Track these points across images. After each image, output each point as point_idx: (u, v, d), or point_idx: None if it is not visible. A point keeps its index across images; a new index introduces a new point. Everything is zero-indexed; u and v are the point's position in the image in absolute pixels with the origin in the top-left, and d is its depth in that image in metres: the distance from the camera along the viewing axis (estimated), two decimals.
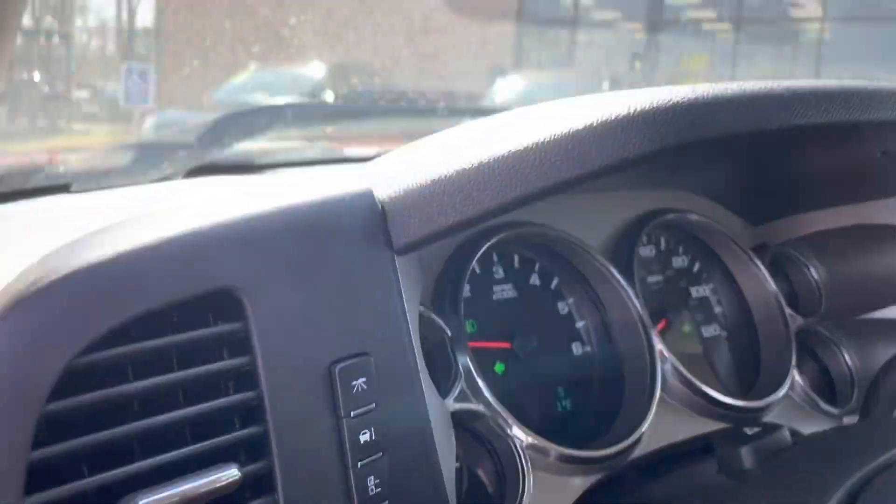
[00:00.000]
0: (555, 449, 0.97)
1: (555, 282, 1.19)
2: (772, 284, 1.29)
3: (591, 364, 1.18)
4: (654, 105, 0.68)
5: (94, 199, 1.37)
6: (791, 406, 1.23)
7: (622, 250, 1.22)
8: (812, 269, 1.38)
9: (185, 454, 0.55)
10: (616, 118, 0.69)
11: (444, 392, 0.94)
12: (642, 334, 1.16)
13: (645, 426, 1.06)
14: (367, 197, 0.71)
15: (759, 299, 1.30)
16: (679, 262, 1.36)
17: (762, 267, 1.30)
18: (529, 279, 1.18)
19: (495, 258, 1.15)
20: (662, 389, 1.13)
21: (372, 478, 0.64)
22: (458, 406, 0.94)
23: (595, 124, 0.70)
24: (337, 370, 0.63)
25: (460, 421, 0.93)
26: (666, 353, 1.15)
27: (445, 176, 0.71)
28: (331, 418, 0.62)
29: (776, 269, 1.39)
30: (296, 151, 1.83)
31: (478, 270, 1.12)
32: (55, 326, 0.50)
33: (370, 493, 0.63)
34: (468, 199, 0.71)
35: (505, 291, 1.14)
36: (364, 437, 0.64)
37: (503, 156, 0.72)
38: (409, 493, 0.67)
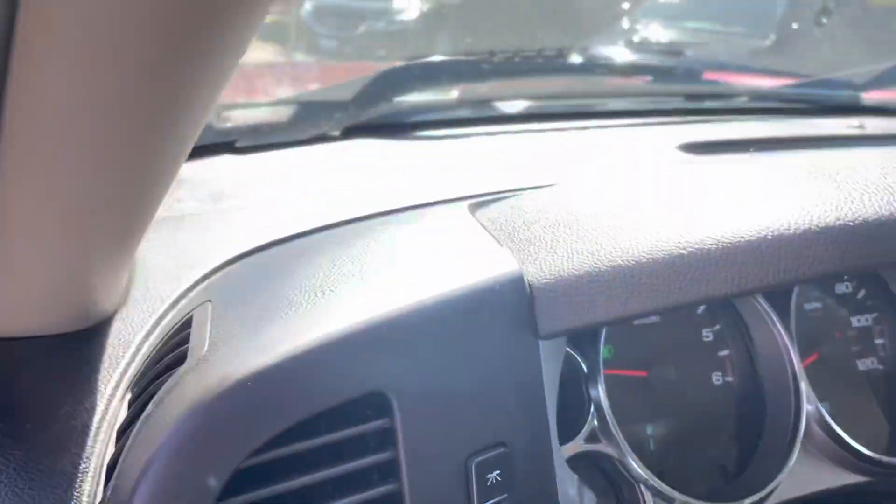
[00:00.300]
0: (680, 498, 0.97)
1: (701, 307, 1.15)
2: None
3: (730, 398, 1.15)
4: (840, 224, 0.62)
5: (257, 160, 1.44)
6: None
7: None
8: None
9: None
10: (795, 235, 0.63)
11: (574, 429, 0.95)
12: (788, 369, 1.11)
13: (781, 477, 1.03)
14: (517, 282, 0.71)
15: None
16: (842, 287, 1.27)
17: None
18: None
19: None
20: (804, 435, 1.09)
21: None
22: (587, 447, 0.95)
23: (766, 239, 0.65)
24: (474, 464, 0.65)
25: (587, 459, 0.95)
26: (812, 395, 1.10)
27: (598, 271, 0.69)
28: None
29: None
30: (449, 109, 1.81)
31: None
32: (228, 431, 0.55)
33: None
34: (619, 300, 0.69)
35: (647, 317, 1.12)
36: None
37: (660, 260, 0.69)
38: None
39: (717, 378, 1.15)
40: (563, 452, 0.90)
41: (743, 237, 0.66)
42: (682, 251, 0.66)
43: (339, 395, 0.60)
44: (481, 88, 1.82)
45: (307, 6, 2.81)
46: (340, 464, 0.61)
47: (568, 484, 0.82)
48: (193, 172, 1.34)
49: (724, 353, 1.16)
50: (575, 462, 0.93)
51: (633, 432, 1.06)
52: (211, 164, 1.40)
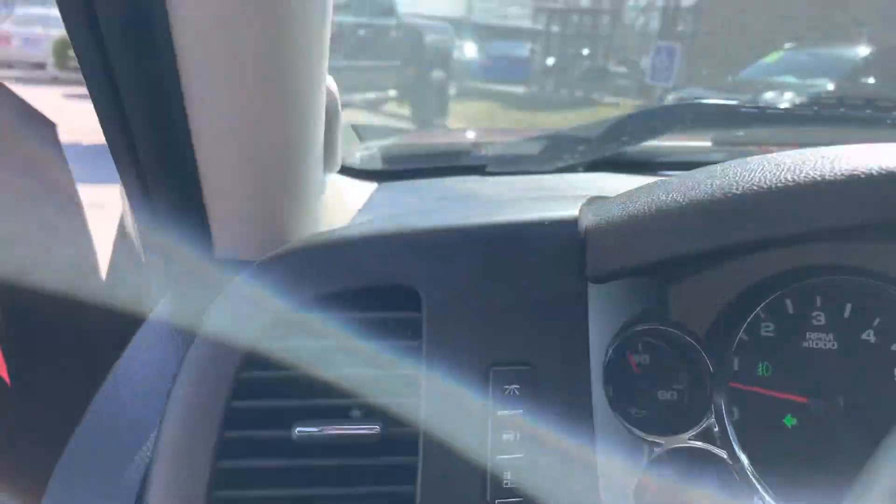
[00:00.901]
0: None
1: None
2: None
3: None
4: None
5: (499, 181, 1.63)
6: None
7: None
8: None
9: (344, 404, 0.70)
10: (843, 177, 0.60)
11: (688, 424, 0.93)
12: None
13: None
14: (570, 225, 0.75)
15: None
16: None
17: None
18: (861, 334, 1.02)
19: (819, 303, 1.02)
20: None
21: (509, 473, 0.70)
22: (695, 444, 0.92)
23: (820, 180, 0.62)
24: (492, 372, 0.71)
25: (695, 456, 0.91)
26: None
27: (649, 211, 0.71)
28: (480, 411, 0.71)
29: None
30: (701, 153, 1.82)
31: (791, 311, 1.01)
32: (286, 283, 0.71)
33: (504, 486, 0.70)
34: (667, 239, 0.70)
35: (821, 341, 1.02)
36: (507, 437, 0.71)
37: (718, 197, 0.68)
38: (555, 497, 0.71)
39: None
40: (662, 441, 0.89)
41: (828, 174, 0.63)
42: (744, 186, 0.65)
43: (377, 279, 0.71)
44: (737, 135, 1.79)
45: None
46: (372, 341, 0.72)
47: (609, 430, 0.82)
48: (444, 186, 1.57)
49: None
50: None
51: (768, 455, 0.97)
52: (463, 181, 1.61)
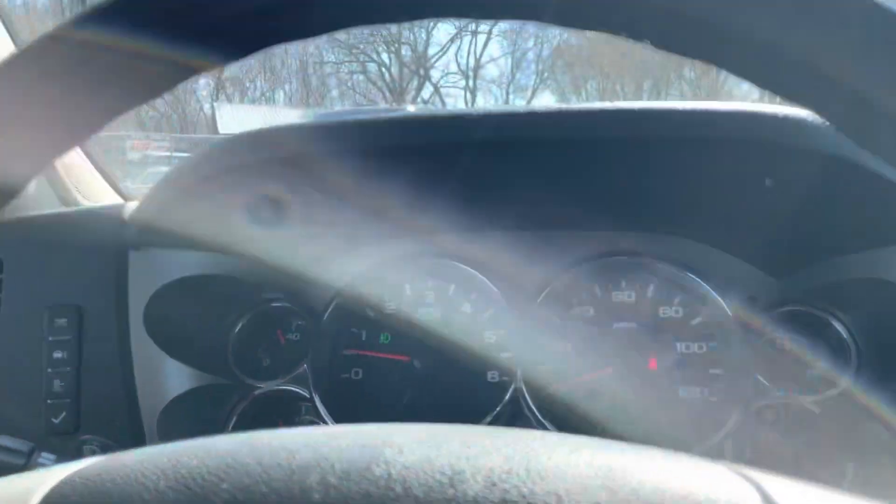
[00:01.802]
0: None
1: (489, 311, 1.26)
2: None
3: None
4: None
5: None
6: None
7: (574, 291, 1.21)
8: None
9: None
10: None
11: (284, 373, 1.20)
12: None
13: None
14: (117, 209, 1.09)
15: None
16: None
17: None
18: (460, 306, 1.28)
19: (430, 284, 1.30)
20: None
21: (58, 381, 1.01)
22: (284, 387, 1.19)
23: None
24: (47, 308, 1.03)
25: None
26: None
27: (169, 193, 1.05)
28: (39, 338, 1.03)
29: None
30: None
31: (409, 292, 1.29)
32: None
33: (55, 390, 1.00)
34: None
35: (428, 314, 1.28)
36: (57, 355, 1.01)
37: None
38: (97, 400, 1.00)
39: (492, 376, 1.22)
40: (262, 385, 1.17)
41: None
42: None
43: None
44: None
45: None
46: None
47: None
48: None
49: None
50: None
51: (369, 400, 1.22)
52: None
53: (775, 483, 0.38)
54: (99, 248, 1.03)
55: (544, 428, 1.10)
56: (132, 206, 1.05)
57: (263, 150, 0.87)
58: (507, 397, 1.15)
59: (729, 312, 1.12)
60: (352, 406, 1.21)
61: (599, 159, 0.94)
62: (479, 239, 1.26)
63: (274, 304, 1.25)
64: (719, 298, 1.13)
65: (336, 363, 1.24)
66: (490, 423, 1.13)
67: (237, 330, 1.23)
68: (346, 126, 0.89)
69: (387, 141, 0.89)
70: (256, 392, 1.19)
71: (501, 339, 1.22)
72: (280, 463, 0.38)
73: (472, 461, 0.40)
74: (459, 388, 1.21)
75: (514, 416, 1.14)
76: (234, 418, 1.17)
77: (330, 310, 1.23)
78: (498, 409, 1.15)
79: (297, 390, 1.19)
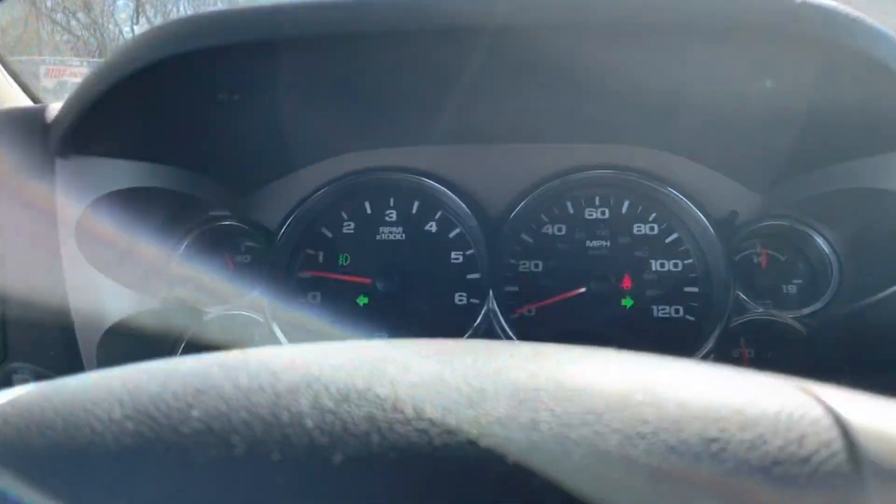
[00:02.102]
0: None
1: (455, 230, 1.18)
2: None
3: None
4: None
5: None
6: None
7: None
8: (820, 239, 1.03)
9: None
10: None
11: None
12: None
13: None
14: (37, 111, 0.95)
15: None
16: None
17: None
18: (425, 226, 1.20)
19: (393, 202, 1.21)
20: None
21: None
22: (222, 310, 1.10)
23: None
24: None
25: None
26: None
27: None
28: None
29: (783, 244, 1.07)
30: None
31: (369, 210, 1.20)
32: None
33: None
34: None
35: (392, 233, 1.20)
36: None
37: None
38: (26, 326, 0.89)
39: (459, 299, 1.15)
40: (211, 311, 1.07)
41: None
42: None
43: None
44: None
45: None
46: None
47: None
48: None
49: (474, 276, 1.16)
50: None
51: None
52: None
53: (836, 395, 0.32)
54: (19, 155, 0.91)
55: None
56: (56, 107, 0.92)
57: (211, 35, 0.76)
58: (477, 321, 1.09)
59: (709, 228, 1.06)
60: (310, 332, 1.13)
61: (575, 52, 0.84)
62: (446, 152, 1.17)
63: (222, 223, 1.14)
64: (698, 213, 1.08)
65: (292, 287, 1.15)
66: None
67: (181, 250, 1.13)
68: (292, 9, 0.76)
69: (331, 28, 0.77)
70: (205, 317, 1.10)
71: (469, 259, 1.15)
72: (262, 385, 0.30)
73: (492, 378, 0.33)
74: (425, 312, 1.14)
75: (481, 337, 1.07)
76: (182, 345, 1.08)
77: (284, 229, 1.13)
78: (468, 333, 1.08)
79: (251, 315, 1.10)
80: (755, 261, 1.12)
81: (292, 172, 1.16)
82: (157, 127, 0.94)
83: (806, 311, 1.04)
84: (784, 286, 1.11)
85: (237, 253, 1.19)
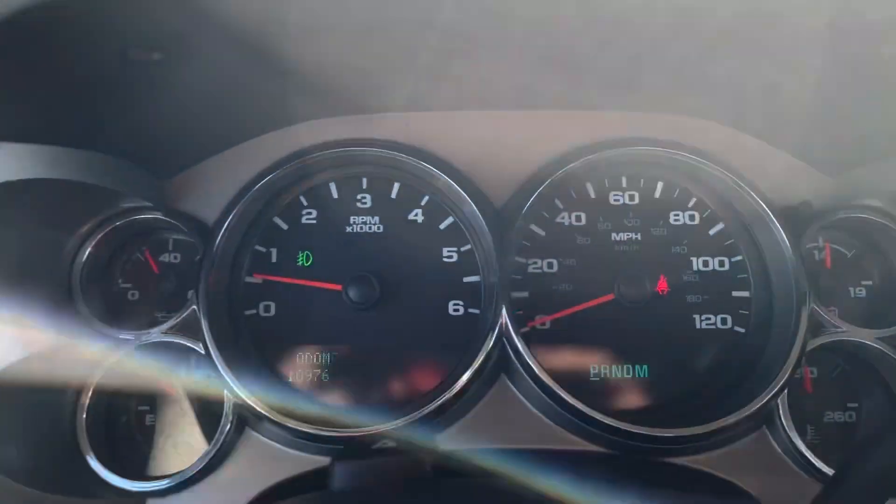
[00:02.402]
0: None
1: (447, 220, 0.93)
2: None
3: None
4: None
5: None
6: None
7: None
8: None
9: None
10: None
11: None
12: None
13: None
14: None
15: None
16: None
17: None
18: (409, 214, 0.94)
19: (366, 185, 0.95)
20: None
21: None
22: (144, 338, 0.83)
23: None
24: None
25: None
26: None
27: None
28: None
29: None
30: None
31: (335, 195, 0.94)
32: None
33: None
34: None
35: (366, 224, 0.94)
36: None
37: None
38: None
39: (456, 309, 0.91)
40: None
41: None
42: None
43: None
44: None
45: None
46: None
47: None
48: None
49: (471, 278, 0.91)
50: None
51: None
52: None
53: None
54: None
55: (533, 377, 0.81)
56: None
57: None
58: (479, 337, 0.85)
59: (770, 219, 0.85)
60: (263, 356, 0.88)
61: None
62: (433, 121, 0.91)
63: (139, 217, 0.86)
64: (754, 197, 0.86)
65: (237, 295, 0.89)
66: (457, 372, 0.83)
67: (86, 256, 0.84)
68: None
69: None
70: (120, 353, 0.83)
71: (466, 258, 0.91)
72: None
73: None
74: (411, 327, 0.89)
75: (491, 362, 0.83)
76: (92, 388, 0.81)
77: (226, 222, 0.86)
78: (465, 353, 0.85)
79: (182, 342, 0.83)
80: (817, 258, 0.91)
81: (230, 147, 0.88)
82: (47, 95, 0.65)
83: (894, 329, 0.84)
84: (852, 289, 0.91)
85: (161, 252, 0.91)
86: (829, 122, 0.82)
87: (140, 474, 0.83)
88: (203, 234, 0.87)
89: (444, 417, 0.81)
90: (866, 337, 0.83)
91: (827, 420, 0.89)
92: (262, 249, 0.92)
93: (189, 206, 0.89)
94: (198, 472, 0.80)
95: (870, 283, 0.91)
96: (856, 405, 0.89)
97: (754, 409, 0.79)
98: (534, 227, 0.92)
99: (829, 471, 0.78)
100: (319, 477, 0.74)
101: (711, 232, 0.92)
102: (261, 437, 0.84)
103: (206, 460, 0.80)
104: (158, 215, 0.86)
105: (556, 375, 0.81)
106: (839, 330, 0.83)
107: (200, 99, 0.77)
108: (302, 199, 0.93)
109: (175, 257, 0.93)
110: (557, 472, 0.64)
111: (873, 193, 0.84)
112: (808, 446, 0.80)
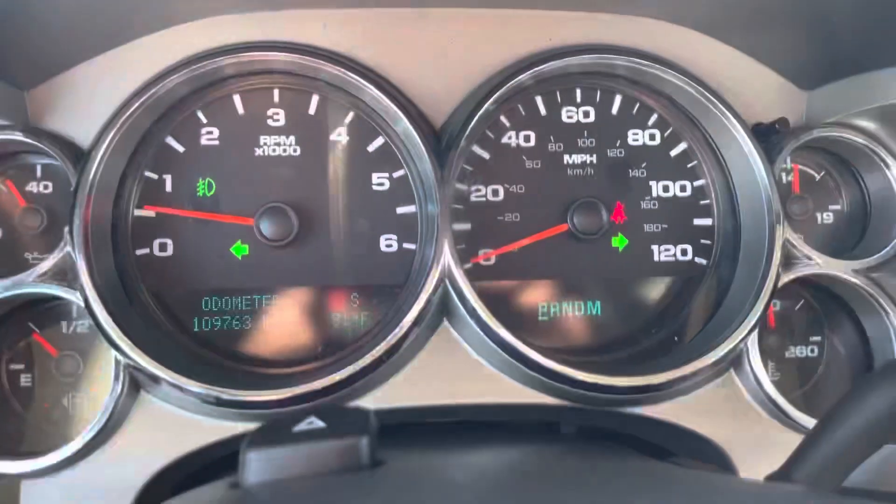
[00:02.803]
0: None
1: (377, 141, 0.79)
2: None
3: None
4: None
5: None
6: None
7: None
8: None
9: None
10: None
11: None
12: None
13: None
14: None
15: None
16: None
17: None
18: (329, 134, 0.80)
19: (277, 98, 0.80)
20: None
21: None
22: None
23: None
24: None
25: None
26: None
27: None
28: None
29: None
30: None
31: (241, 110, 0.78)
32: None
33: None
34: None
35: (280, 146, 0.79)
36: None
37: None
38: None
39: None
40: None
41: None
42: None
43: None
44: None
45: None
46: None
47: None
48: None
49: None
50: None
51: None
52: None
53: None
54: None
55: (479, 323, 0.71)
56: None
57: None
58: (415, 276, 0.74)
59: (744, 137, 0.75)
60: (160, 304, 0.75)
61: None
62: (356, 20, 0.77)
63: None
64: (726, 112, 0.76)
65: (124, 232, 0.74)
66: (395, 319, 0.72)
67: None
68: None
69: None
70: None
71: (399, 184, 0.78)
72: None
73: None
74: (335, 266, 0.77)
75: (433, 306, 0.72)
76: None
77: (106, 142, 0.71)
78: (401, 296, 0.75)
79: (55, 292, 0.69)
80: (784, 180, 0.83)
81: (106, 51, 0.72)
82: None
83: (871, 260, 0.77)
84: (819, 214, 0.84)
85: (29, 181, 0.75)
86: (808, 26, 0.72)
87: (12, 450, 0.69)
88: (77, 159, 0.71)
89: (378, 373, 0.70)
90: (842, 269, 0.76)
91: (788, 356, 0.83)
92: (154, 176, 0.77)
93: (57, 123, 0.73)
94: (83, 446, 0.67)
95: (837, 207, 0.84)
96: (818, 339, 0.84)
97: (722, 353, 0.71)
98: (477, 149, 0.80)
99: (800, 415, 0.72)
100: (232, 450, 0.63)
101: (673, 153, 0.83)
102: (159, 402, 0.71)
103: (94, 432, 0.67)
104: (16, 135, 0.69)
105: (501, 318, 0.72)
106: (812, 262, 0.76)
107: None
108: (200, 114, 0.78)
109: (45, 186, 0.77)
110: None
111: (853, 108, 0.76)
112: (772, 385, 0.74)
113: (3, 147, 0.72)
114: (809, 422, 0.71)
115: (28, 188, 0.76)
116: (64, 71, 0.73)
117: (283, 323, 0.77)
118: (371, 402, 0.72)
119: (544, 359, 0.70)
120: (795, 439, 0.66)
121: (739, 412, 0.74)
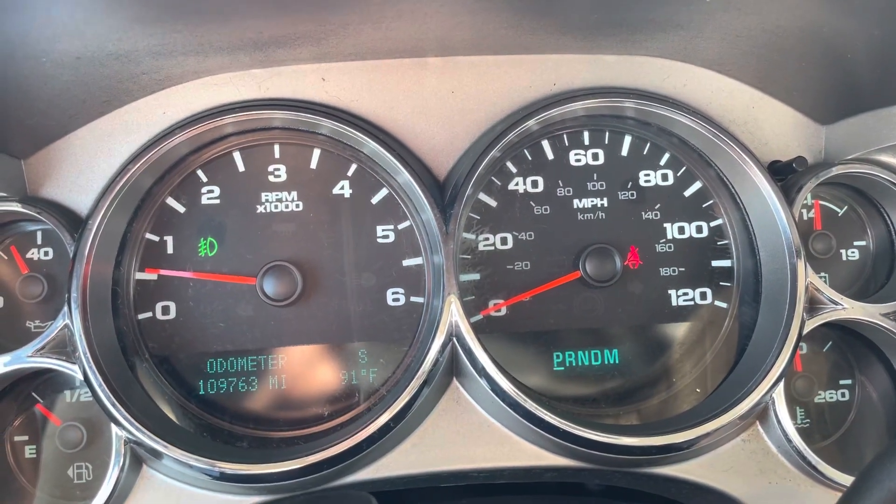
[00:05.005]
0: None
1: (381, 193, 0.78)
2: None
3: None
4: None
5: None
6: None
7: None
8: None
9: None
10: None
11: None
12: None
13: None
14: None
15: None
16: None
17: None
18: (332, 188, 0.78)
19: (278, 153, 0.78)
20: None
21: None
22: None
23: None
24: None
25: None
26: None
27: None
28: None
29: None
30: None
31: (241, 167, 0.77)
32: None
33: None
34: None
35: (282, 202, 0.78)
36: None
37: None
38: None
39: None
40: None
41: None
42: None
43: None
44: None
45: None
46: None
47: None
48: None
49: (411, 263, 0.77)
50: None
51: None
52: None
53: None
54: None
55: (491, 384, 0.68)
56: None
57: None
58: (424, 331, 0.72)
59: (759, 176, 0.72)
60: (163, 370, 0.73)
61: None
62: (357, 72, 0.76)
63: None
64: (739, 151, 0.73)
65: (125, 296, 0.73)
66: (403, 379, 0.70)
67: None
68: None
69: None
70: None
71: (404, 237, 0.76)
72: None
73: None
74: (344, 324, 0.76)
75: (443, 363, 0.70)
76: None
77: (104, 205, 0.69)
78: (408, 350, 0.72)
79: (53, 365, 0.67)
80: (805, 217, 0.80)
81: (103, 115, 0.71)
82: None
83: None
84: (843, 251, 0.80)
85: (29, 248, 0.74)
86: (823, 61, 0.69)
87: None
88: (74, 225, 0.70)
89: (386, 439, 0.67)
90: (871, 315, 0.72)
91: (818, 400, 0.79)
92: (155, 238, 0.76)
93: (55, 190, 0.72)
94: None
95: (863, 243, 0.81)
96: (848, 382, 0.80)
97: (748, 407, 0.68)
98: (483, 197, 0.78)
99: (832, 471, 0.68)
100: None
101: (687, 193, 0.80)
102: (164, 477, 0.69)
103: None
104: (14, 206, 0.68)
105: (515, 369, 0.69)
106: (839, 306, 0.72)
107: (57, 51, 0.59)
108: (200, 173, 0.77)
109: (46, 252, 0.76)
110: None
111: (874, 144, 0.73)
112: (800, 433, 0.70)
113: (2, 217, 0.71)
114: (841, 477, 0.67)
115: (29, 255, 0.75)
116: (60, 138, 0.72)
117: (289, 383, 0.75)
118: (379, 470, 0.69)
119: (562, 422, 0.67)
120: (827, 495, 0.62)
121: (768, 468, 0.71)
